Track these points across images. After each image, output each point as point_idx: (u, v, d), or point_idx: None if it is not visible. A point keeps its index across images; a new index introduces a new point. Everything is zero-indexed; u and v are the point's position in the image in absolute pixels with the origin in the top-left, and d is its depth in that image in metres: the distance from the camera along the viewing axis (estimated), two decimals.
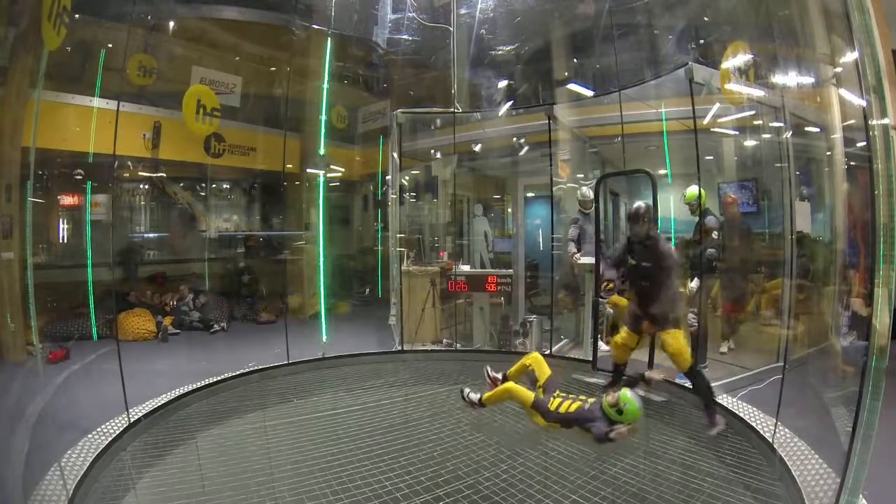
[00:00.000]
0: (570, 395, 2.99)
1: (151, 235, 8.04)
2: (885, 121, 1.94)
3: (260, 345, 5.75)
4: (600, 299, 4.95)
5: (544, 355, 3.42)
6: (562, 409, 2.87)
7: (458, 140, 6.45)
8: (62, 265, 6.35)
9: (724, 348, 5.00)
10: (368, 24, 6.71)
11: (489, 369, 3.53)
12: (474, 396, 3.33)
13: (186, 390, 3.94)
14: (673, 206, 5.26)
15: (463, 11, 5.97)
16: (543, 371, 3.19)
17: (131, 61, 5.85)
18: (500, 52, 6.67)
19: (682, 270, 2.92)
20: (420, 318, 5.65)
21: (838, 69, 3.29)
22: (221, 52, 6.78)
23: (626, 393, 2.77)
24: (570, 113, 6.20)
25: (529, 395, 3.00)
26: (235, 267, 8.34)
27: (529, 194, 7.70)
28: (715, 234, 4.38)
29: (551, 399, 2.95)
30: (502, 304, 5.96)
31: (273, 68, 7.27)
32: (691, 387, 3.43)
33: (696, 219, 4.56)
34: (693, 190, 4.53)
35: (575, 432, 2.90)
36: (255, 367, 4.56)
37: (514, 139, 7.10)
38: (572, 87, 6.58)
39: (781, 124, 4.28)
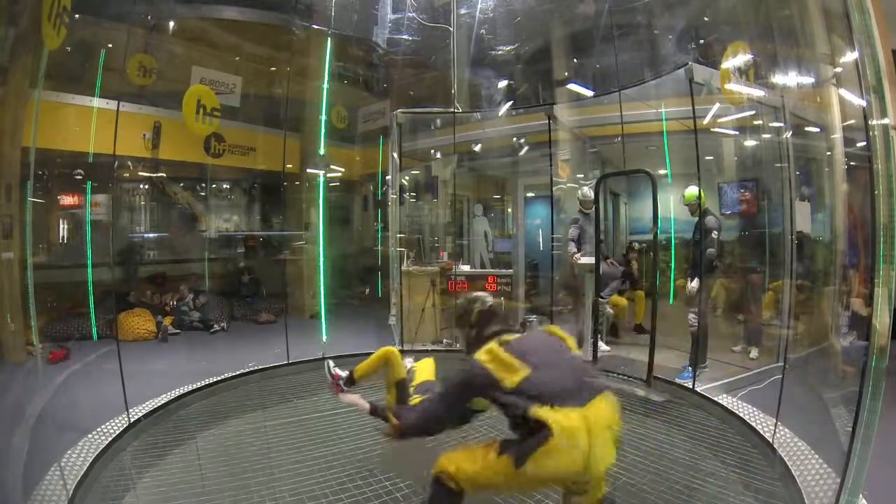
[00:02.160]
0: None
1: (151, 235, 8.04)
2: (885, 121, 1.94)
3: (260, 345, 5.75)
4: (600, 299, 4.96)
5: None
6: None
7: (458, 140, 6.46)
8: (62, 265, 6.35)
9: (737, 347, 4.94)
10: (368, 24, 6.71)
11: (331, 365, 2.99)
12: (341, 372, 2.91)
13: (186, 390, 3.94)
14: (673, 206, 5.26)
15: (463, 11, 5.97)
16: (398, 372, 2.82)
17: (131, 61, 5.84)
18: (500, 52, 6.67)
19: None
20: (420, 318, 5.65)
21: (838, 69, 3.28)
22: (221, 52, 6.77)
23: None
24: (570, 113, 6.21)
25: (403, 373, 2.75)
26: (235, 267, 8.34)
27: (529, 194, 7.71)
28: (715, 234, 4.39)
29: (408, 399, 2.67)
30: (502, 304, 5.96)
31: (273, 68, 7.26)
32: None
33: (696, 219, 4.57)
34: (692, 191, 4.53)
35: None
36: (255, 367, 4.56)
37: (514, 139, 7.10)
38: (572, 87, 6.59)
39: (781, 124, 4.27)
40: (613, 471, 2.80)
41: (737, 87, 3.92)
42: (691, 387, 3.91)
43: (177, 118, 5.26)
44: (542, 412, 1.58)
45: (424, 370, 2.86)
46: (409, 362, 2.99)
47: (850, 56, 2.12)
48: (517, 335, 1.93)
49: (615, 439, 1.66)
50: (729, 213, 5.54)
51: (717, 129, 5.23)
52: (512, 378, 1.69)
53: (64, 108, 5.39)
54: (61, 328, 5.68)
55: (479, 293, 2.26)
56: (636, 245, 6.48)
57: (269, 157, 7.31)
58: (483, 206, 8.47)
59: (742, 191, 5.20)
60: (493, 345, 1.83)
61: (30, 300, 3.09)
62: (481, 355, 1.81)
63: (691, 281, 4.52)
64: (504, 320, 2.13)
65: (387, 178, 6.81)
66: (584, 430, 1.56)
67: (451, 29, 5.74)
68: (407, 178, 7.42)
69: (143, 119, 6.39)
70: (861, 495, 2.06)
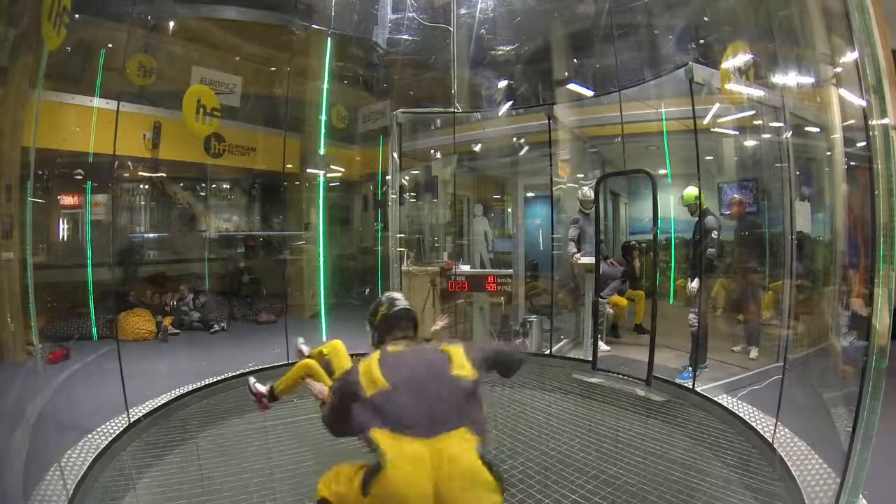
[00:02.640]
0: None
1: (151, 235, 8.04)
2: (885, 121, 1.94)
3: (260, 345, 5.75)
4: (600, 299, 4.96)
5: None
6: None
7: (458, 140, 6.45)
8: (62, 265, 6.35)
9: (737, 347, 4.95)
10: (368, 24, 6.70)
11: (252, 381, 2.98)
12: (262, 388, 2.85)
13: (186, 390, 3.94)
14: (673, 206, 5.26)
15: (463, 11, 5.96)
16: (342, 363, 2.69)
17: (131, 61, 5.85)
18: (500, 52, 6.67)
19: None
20: (420, 319, 5.65)
21: (838, 69, 3.29)
22: (221, 52, 6.78)
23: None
24: (570, 113, 6.20)
25: (328, 382, 2.62)
26: (235, 267, 8.34)
27: (529, 194, 7.70)
28: (714, 234, 4.39)
29: None
30: (502, 304, 5.96)
31: (273, 68, 7.27)
32: None
33: (696, 219, 4.57)
34: (691, 191, 4.53)
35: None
36: (255, 367, 4.56)
37: (514, 139, 7.10)
38: (572, 87, 6.59)
39: (781, 124, 4.27)
40: (613, 471, 2.80)
41: (737, 87, 3.92)
42: (691, 387, 3.91)
43: (177, 118, 5.26)
44: (377, 433, 1.44)
45: (341, 358, 2.74)
46: (302, 344, 2.91)
47: (850, 56, 2.12)
48: (403, 346, 1.77)
49: (480, 469, 1.44)
50: (728, 213, 5.55)
51: (717, 129, 5.22)
52: (369, 391, 1.55)
53: (64, 108, 5.39)
54: (61, 328, 5.68)
55: (394, 293, 2.08)
56: (635, 243, 6.47)
57: (269, 157, 7.31)
58: (483, 206, 8.46)
59: (732, 195, 5.24)
60: (375, 353, 1.71)
61: (30, 300, 3.09)
62: (362, 363, 1.67)
63: (691, 281, 4.52)
64: (412, 327, 1.98)
65: (387, 178, 6.80)
66: (424, 463, 1.39)
67: (451, 29, 5.74)
68: (407, 178, 7.41)
69: (143, 119, 6.38)
70: (861, 495, 2.06)
